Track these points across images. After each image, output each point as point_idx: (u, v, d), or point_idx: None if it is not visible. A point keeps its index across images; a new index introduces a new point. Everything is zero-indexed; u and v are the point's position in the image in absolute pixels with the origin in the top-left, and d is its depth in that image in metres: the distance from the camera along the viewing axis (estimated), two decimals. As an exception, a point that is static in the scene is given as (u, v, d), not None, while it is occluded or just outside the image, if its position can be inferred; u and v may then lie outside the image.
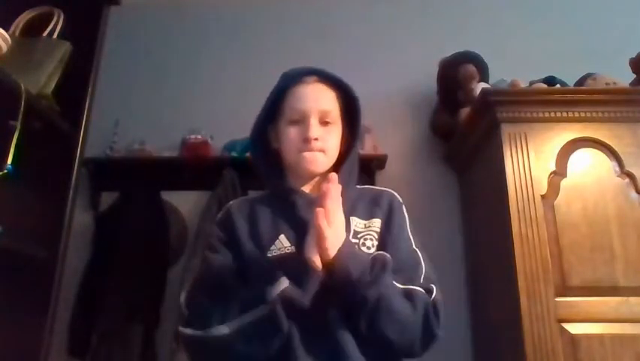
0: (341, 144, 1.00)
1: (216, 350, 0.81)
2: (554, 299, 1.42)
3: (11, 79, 1.16)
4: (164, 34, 2.52)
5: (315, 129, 0.93)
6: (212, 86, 2.39)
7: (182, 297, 0.90)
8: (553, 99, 1.64)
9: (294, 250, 0.87)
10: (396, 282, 0.83)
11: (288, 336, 0.79)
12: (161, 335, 1.92)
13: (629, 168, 1.55)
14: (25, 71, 1.25)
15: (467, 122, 1.89)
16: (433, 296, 0.85)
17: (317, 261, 0.78)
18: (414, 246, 0.94)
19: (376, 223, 0.94)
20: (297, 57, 2.39)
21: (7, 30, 1.29)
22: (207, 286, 0.89)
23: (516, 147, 1.58)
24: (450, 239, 2.07)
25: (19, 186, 1.21)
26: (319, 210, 0.77)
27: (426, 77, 2.20)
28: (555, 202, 1.53)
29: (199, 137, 2.16)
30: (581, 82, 1.79)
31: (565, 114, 1.62)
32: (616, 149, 1.57)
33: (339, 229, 0.80)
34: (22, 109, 1.15)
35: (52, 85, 1.32)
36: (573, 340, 1.39)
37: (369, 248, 0.90)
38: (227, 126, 2.22)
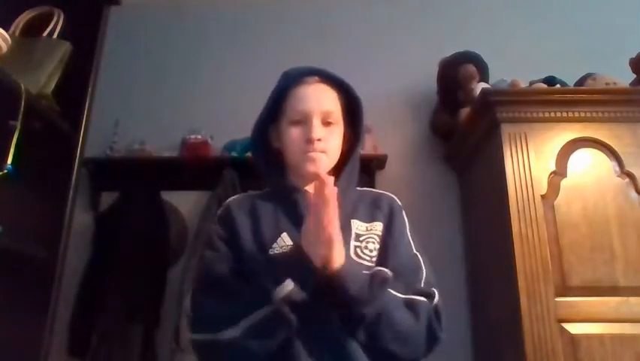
0: (343, 144, 0.99)
1: (227, 352, 0.81)
2: (554, 299, 1.42)
3: (11, 79, 1.16)
4: (164, 34, 2.52)
5: (317, 130, 0.93)
6: (212, 86, 2.39)
7: (187, 301, 0.90)
8: (553, 99, 1.64)
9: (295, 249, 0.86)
10: (397, 287, 0.83)
11: (290, 341, 0.79)
12: (161, 335, 1.92)
13: (629, 168, 1.55)
14: (25, 71, 1.25)
15: (467, 122, 1.89)
16: (434, 302, 0.86)
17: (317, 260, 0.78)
18: (414, 250, 0.94)
19: (378, 227, 0.94)
20: (297, 57, 2.39)
21: (7, 30, 1.29)
22: (210, 288, 0.88)
23: (516, 147, 1.58)
24: (450, 239, 2.07)
25: (19, 186, 1.21)
26: (326, 216, 0.75)
27: (426, 77, 2.20)
28: (555, 202, 1.53)
29: (199, 137, 2.16)
30: (581, 82, 1.79)
31: (565, 114, 1.62)
32: (616, 149, 1.57)
33: (341, 240, 0.79)
34: (22, 109, 1.15)
35: (52, 85, 1.32)
36: (573, 340, 1.39)
37: (371, 251, 0.90)
38: (227, 126, 2.22)
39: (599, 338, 1.39)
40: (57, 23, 1.41)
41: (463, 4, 2.48)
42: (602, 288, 1.44)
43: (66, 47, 1.36)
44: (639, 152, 1.57)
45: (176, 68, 2.45)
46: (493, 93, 1.69)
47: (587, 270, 1.45)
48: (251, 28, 2.51)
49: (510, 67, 2.04)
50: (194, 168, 2.15)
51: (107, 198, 2.18)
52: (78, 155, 1.38)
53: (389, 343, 0.80)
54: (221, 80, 2.40)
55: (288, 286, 0.77)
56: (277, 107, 1.00)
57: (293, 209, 0.93)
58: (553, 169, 1.56)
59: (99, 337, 1.88)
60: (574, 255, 1.47)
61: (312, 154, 0.93)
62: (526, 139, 1.58)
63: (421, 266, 0.91)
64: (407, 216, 1.00)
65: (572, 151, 1.58)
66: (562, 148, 1.58)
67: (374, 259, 0.90)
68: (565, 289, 1.44)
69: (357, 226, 0.93)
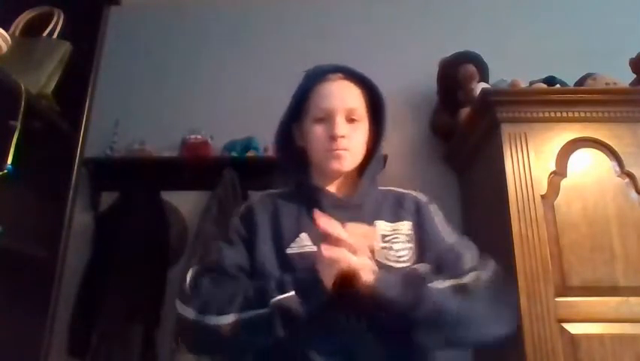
0: (368, 141, 0.98)
1: (209, 337, 0.82)
2: (554, 299, 1.42)
3: (11, 79, 1.16)
4: (164, 34, 2.52)
5: (341, 127, 0.92)
6: (212, 86, 2.39)
7: (189, 276, 0.90)
8: (553, 99, 1.64)
9: (315, 250, 0.86)
10: (442, 279, 0.82)
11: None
12: (161, 335, 1.92)
13: (629, 168, 1.55)
14: (25, 71, 1.25)
15: (467, 122, 1.89)
16: (485, 275, 0.84)
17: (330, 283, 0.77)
18: (452, 239, 0.94)
19: (405, 225, 0.93)
20: (297, 57, 2.41)
21: (7, 30, 1.29)
22: (213, 273, 0.89)
23: (516, 147, 1.58)
24: (450, 239, 2.07)
25: (19, 186, 1.21)
26: (341, 252, 0.75)
27: (426, 77, 2.20)
28: (555, 202, 1.53)
29: (199, 137, 2.16)
30: (581, 82, 1.79)
31: (565, 114, 1.62)
32: (616, 149, 1.57)
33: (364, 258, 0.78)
34: (22, 109, 1.15)
35: (52, 85, 1.32)
36: (573, 340, 1.39)
37: (397, 251, 0.89)
38: (227, 126, 2.23)
39: (599, 338, 1.39)
40: (57, 23, 1.41)
41: (463, 4, 2.48)
42: (602, 288, 1.44)
43: (66, 47, 1.36)
44: (639, 152, 1.57)
45: (176, 68, 2.45)
46: (493, 93, 1.69)
47: (587, 270, 1.45)
48: (251, 28, 2.51)
49: (510, 67, 2.03)
50: (194, 168, 2.15)
51: (107, 198, 2.18)
52: (78, 155, 1.38)
53: (454, 332, 0.79)
54: (221, 80, 2.40)
55: (288, 294, 0.77)
56: (301, 106, 0.99)
57: (314, 208, 0.93)
58: (553, 169, 1.55)
59: (99, 337, 1.88)
60: (574, 255, 1.47)
61: (336, 152, 0.92)
62: (526, 139, 1.58)
63: (461, 253, 0.90)
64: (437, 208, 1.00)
65: (572, 151, 1.58)
66: (562, 148, 1.58)
67: (402, 259, 0.88)
68: (565, 289, 1.44)
69: (383, 226, 0.92)
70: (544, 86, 1.77)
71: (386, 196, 0.99)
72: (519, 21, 2.41)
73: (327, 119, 0.94)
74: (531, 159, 1.56)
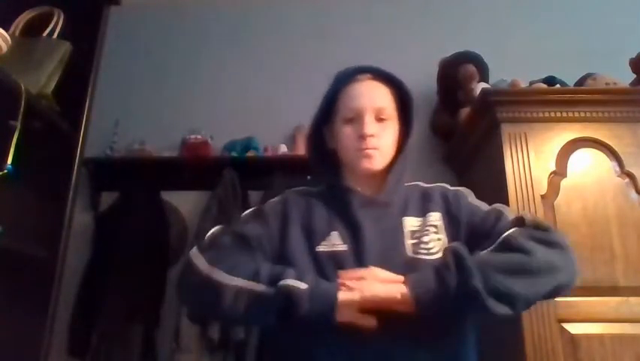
0: (398, 140, 0.99)
1: (209, 292, 0.81)
2: (554, 299, 1.42)
3: (11, 79, 1.16)
4: (164, 34, 2.52)
5: (370, 126, 0.93)
6: (212, 86, 2.39)
7: (212, 231, 0.92)
8: (553, 99, 1.64)
9: (345, 249, 0.87)
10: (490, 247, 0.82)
11: None
12: (161, 335, 1.92)
13: (629, 168, 1.55)
14: (25, 71, 1.25)
15: (467, 122, 1.89)
16: (526, 223, 0.84)
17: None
18: (487, 208, 0.94)
19: (434, 216, 0.92)
20: (297, 57, 2.42)
21: (7, 30, 1.29)
22: (238, 240, 0.89)
23: (516, 147, 1.58)
24: (450, 239, 2.07)
25: (19, 186, 1.21)
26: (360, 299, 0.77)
27: (426, 77, 2.20)
28: (555, 202, 1.53)
29: (199, 137, 2.16)
30: (581, 82, 1.79)
31: (565, 114, 1.62)
32: (616, 149, 1.57)
33: (381, 275, 0.80)
34: (22, 109, 1.15)
35: (52, 85, 1.32)
36: (573, 340, 1.39)
37: (427, 243, 0.88)
38: (227, 126, 2.23)
39: (599, 338, 1.39)
40: (57, 23, 1.41)
41: (463, 4, 2.48)
42: (602, 288, 1.44)
43: (66, 47, 1.36)
44: (639, 152, 1.57)
45: (176, 68, 2.45)
46: (493, 93, 1.69)
47: (587, 270, 1.45)
48: (251, 28, 2.51)
49: (510, 67, 2.04)
50: (194, 168, 2.15)
51: (107, 198, 2.18)
52: (78, 155, 1.38)
53: (520, 286, 0.76)
54: (221, 80, 2.40)
55: (301, 286, 0.77)
56: (331, 108, 1.00)
57: (344, 210, 0.93)
58: (553, 169, 1.55)
59: (99, 337, 1.88)
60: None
61: (366, 151, 0.93)
62: (526, 139, 1.58)
63: (501, 213, 0.90)
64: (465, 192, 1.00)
65: (572, 151, 1.58)
66: (562, 148, 1.58)
67: (432, 251, 0.87)
68: (565, 289, 1.44)
69: (410, 223, 0.92)
70: (544, 86, 1.77)
71: (413, 192, 0.99)
72: (519, 21, 2.41)
73: (357, 119, 0.94)
74: (531, 159, 1.56)
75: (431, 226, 0.91)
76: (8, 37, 1.25)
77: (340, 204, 0.94)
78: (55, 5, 1.45)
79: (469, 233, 0.90)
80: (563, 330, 1.40)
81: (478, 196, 1.00)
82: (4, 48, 1.23)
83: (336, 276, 0.81)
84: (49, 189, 1.32)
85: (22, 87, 1.17)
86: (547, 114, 1.61)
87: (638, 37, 2.19)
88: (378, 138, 0.94)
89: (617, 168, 1.56)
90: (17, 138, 1.14)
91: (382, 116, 0.95)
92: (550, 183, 1.54)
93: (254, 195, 2.10)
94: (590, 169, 1.57)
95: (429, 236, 0.89)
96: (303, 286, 0.76)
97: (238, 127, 2.23)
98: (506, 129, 1.60)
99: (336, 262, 0.85)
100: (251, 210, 0.99)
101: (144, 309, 1.90)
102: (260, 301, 0.78)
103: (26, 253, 1.24)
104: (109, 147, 2.18)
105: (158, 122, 2.30)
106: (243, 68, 2.41)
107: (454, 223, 0.92)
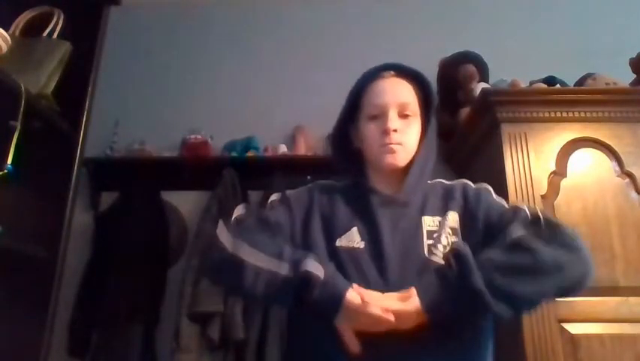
0: (421, 137, 0.98)
1: (230, 262, 0.83)
2: (554, 299, 1.42)
3: (11, 79, 1.16)
4: (164, 34, 2.52)
5: (393, 122, 0.93)
6: (212, 86, 2.39)
7: (236, 212, 0.95)
8: (553, 99, 1.64)
9: (362, 247, 0.87)
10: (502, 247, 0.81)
11: None
12: (161, 335, 1.92)
13: (629, 168, 1.55)
14: (25, 71, 1.24)
15: (467, 123, 1.89)
16: (539, 223, 0.84)
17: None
18: (506, 205, 0.94)
19: (452, 217, 0.92)
20: (297, 57, 2.42)
21: (7, 30, 1.29)
22: (261, 223, 0.91)
23: (516, 147, 1.58)
24: (450, 239, 2.07)
25: (19, 186, 1.21)
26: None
27: (426, 77, 2.20)
28: (555, 202, 1.53)
29: (199, 137, 2.16)
30: (581, 82, 1.79)
31: (565, 114, 1.62)
32: (616, 149, 1.57)
33: (386, 300, 0.77)
34: (22, 109, 1.15)
35: (52, 85, 1.31)
36: (573, 340, 1.39)
37: (444, 247, 0.87)
38: (227, 126, 2.23)
39: (599, 337, 1.39)
40: (57, 23, 1.41)
41: (463, 4, 2.48)
42: (601, 288, 1.44)
43: (66, 47, 1.36)
44: (639, 152, 1.57)
45: (176, 68, 2.45)
46: (493, 93, 1.69)
47: (587, 270, 1.45)
48: (251, 28, 2.51)
49: (510, 67, 2.04)
50: (194, 168, 2.15)
51: (107, 198, 2.18)
52: (78, 155, 1.37)
53: (523, 286, 0.76)
54: (222, 80, 2.40)
55: (319, 273, 0.78)
56: (356, 107, 1.00)
57: (364, 208, 0.93)
58: (553, 169, 1.55)
59: (99, 337, 1.88)
60: (574, 255, 1.47)
61: (389, 146, 0.92)
62: (526, 139, 1.58)
63: (513, 216, 0.89)
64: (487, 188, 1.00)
65: (572, 151, 1.58)
66: (562, 148, 1.58)
67: None
68: (565, 289, 1.44)
69: (428, 222, 0.91)
70: (544, 86, 1.78)
71: (434, 190, 0.99)
72: (519, 21, 2.42)
73: (381, 115, 0.94)
74: (531, 159, 1.56)
75: (448, 227, 0.90)
76: (8, 37, 1.24)
77: (361, 202, 0.95)
78: (55, 5, 1.45)
79: (485, 230, 0.89)
80: (563, 330, 1.40)
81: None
82: (4, 48, 1.22)
83: (353, 273, 0.82)
84: (49, 189, 1.32)
85: (22, 87, 1.16)
86: (547, 114, 1.61)
87: (638, 37, 2.19)
88: (401, 133, 0.93)
89: (617, 168, 1.56)
90: (17, 138, 1.14)
91: (406, 112, 0.95)
92: (550, 183, 1.54)
93: (254, 195, 2.10)
94: (590, 169, 1.57)
95: (445, 238, 0.88)
96: (320, 272, 0.78)
97: (238, 127, 2.23)
98: (506, 129, 1.60)
99: (353, 258, 0.86)
100: (277, 196, 1.00)
101: (144, 309, 1.90)
102: (279, 281, 0.79)
103: (26, 253, 1.23)
104: (109, 147, 2.18)
105: (158, 122, 2.30)
106: (243, 67, 2.41)
107: (472, 221, 0.91)
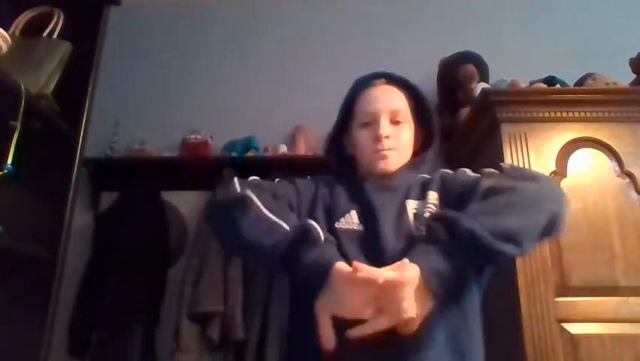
0: (414, 143, 1.02)
1: (235, 205, 0.84)
2: (554, 299, 1.42)
3: (11, 79, 1.16)
4: (164, 34, 2.52)
5: (385, 128, 0.95)
6: (212, 86, 2.39)
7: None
8: (553, 99, 1.64)
9: (361, 229, 0.89)
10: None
11: None
12: (161, 335, 1.92)
13: (629, 168, 1.55)
14: (25, 71, 1.24)
15: (467, 123, 1.89)
16: (503, 171, 0.89)
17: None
18: (474, 177, 0.97)
19: (433, 196, 0.94)
20: (297, 57, 2.42)
21: (7, 30, 1.29)
22: (271, 193, 0.93)
23: (516, 147, 1.58)
24: (450, 239, 2.07)
25: (19, 186, 1.21)
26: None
27: (426, 77, 2.19)
28: (555, 202, 1.53)
29: (199, 137, 2.16)
30: (581, 82, 1.79)
31: (565, 114, 1.62)
32: (616, 149, 1.57)
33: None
34: (22, 109, 1.15)
35: (52, 85, 1.31)
36: (573, 340, 1.39)
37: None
38: (227, 126, 2.23)
39: (599, 337, 1.39)
40: (57, 23, 1.41)
41: (463, 4, 2.48)
42: (602, 288, 1.44)
43: (66, 47, 1.36)
44: (639, 152, 1.57)
45: (176, 68, 2.45)
46: (493, 93, 1.69)
47: (587, 270, 1.45)
48: (250, 28, 2.51)
49: (510, 67, 2.03)
50: (194, 168, 2.15)
51: (107, 198, 2.18)
52: (78, 155, 1.37)
53: (511, 220, 0.77)
54: (222, 80, 2.40)
55: (320, 235, 0.79)
56: (349, 114, 1.03)
57: (361, 195, 0.95)
58: (553, 169, 1.55)
59: (99, 337, 1.88)
60: (574, 255, 1.47)
61: (382, 152, 0.95)
62: (526, 139, 1.58)
63: (479, 178, 0.93)
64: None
65: (572, 151, 1.58)
66: (562, 148, 1.58)
67: None
68: (565, 289, 1.44)
69: (412, 205, 0.94)
70: (544, 86, 1.78)
71: (418, 179, 1.02)
72: (519, 21, 2.41)
73: (373, 122, 0.97)
74: (531, 159, 1.56)
75: (431, 204, 0.93)
76: (8, 37, 1.24)
77: (357, 189, 0.97)
78: (55, 5, 1.45)
79: (458, 199, 0.90)
80: (563, 330, 1.40)
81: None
82: (4, 48, 1.22)
83: (353, 252, 0.83)
84: (49, 189, 1.32)
85: (22, 87, 1.16)
86: (547, 114, 1.61)
87: (638, 37, 2.19)
88: (394, 139, 0.96)
89: (617, 168, 1.56)
90: (17, 138, 1.14)
91: (398, 119, 0.98)
92: (550, 183, 1.54)
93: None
94: (589, 169, 1.57)
95: (428, 215, 0.90)
96: (321, 235, 0.79)
97: (238, 127, 2.23)
98: (506, 129, 1.60)
99: (352, 238, 0.88)
100: (284, 180, 1.02)
101: (144, 309, 1.90)
102: (278, 233, 0.80)
103: (26, 253, 1.23)
104: (109, 147, 2.18)
105: (158, 122, 2.30)
106: (243, 67, 2.41)
107: (449, 196, 0.94)
